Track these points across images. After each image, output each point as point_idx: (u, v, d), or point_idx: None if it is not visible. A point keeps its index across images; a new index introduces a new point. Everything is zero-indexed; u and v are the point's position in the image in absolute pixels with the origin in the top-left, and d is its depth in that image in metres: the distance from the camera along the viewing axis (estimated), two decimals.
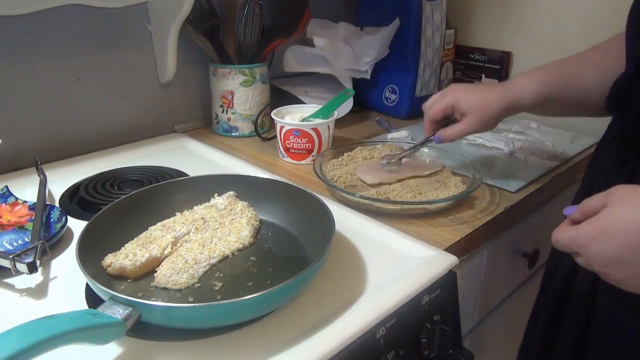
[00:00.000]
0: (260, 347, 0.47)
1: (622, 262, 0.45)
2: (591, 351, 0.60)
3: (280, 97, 1.09)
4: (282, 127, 0.89)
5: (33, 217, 0.65)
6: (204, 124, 1.10)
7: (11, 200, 0.70)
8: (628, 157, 0.58)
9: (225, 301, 0.46)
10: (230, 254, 0.60)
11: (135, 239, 0.60)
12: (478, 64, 1.23)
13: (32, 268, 0.53)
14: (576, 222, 0.50)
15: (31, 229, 0.62)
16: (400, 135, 1.01)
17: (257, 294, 0.46)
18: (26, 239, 0.63)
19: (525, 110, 0.75)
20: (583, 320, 0.61)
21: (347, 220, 0.68)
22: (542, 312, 0.70)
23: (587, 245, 0.47)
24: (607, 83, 0.62)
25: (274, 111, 0.92)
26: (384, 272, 0.58)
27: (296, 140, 0.88)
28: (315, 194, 0.65)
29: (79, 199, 0.75)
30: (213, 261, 0.58)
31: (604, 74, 0.68)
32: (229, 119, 1.02)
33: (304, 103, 1.04)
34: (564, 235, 0.50)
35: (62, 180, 0.80)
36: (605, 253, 0.46)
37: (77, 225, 0.66)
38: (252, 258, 0.60)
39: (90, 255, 0.54)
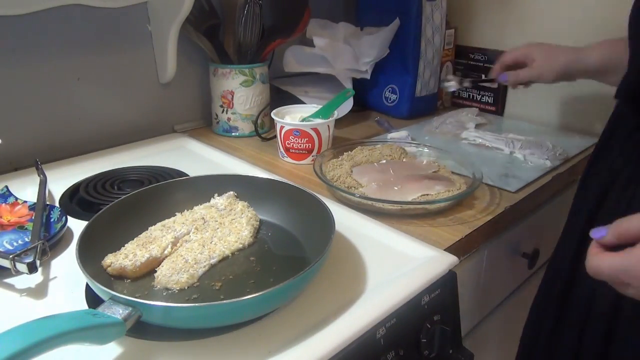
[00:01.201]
0: (260, 347, 0.47)
1: None
2: None
3: (280, 97, 1.09)
4: (282, 127, 0.89)
5: (33, 217, 0.65)
6: (204, 124, 1.10)
7: (11, 200, 0.70)
8: None
9: (225, 301, 0.46)
10: (230, 254, 0.60)
11: (135, 239, 0.60)
12: (478, 64, 1.23)
13: (32, 268, 0.53)
14: (608, 246, 0.45)
15: (31, 229, 0.62)
16: (400, 135, 1.01)
17: (257, 294, 0.46)
18: (26, 239, 0.63)
19: (589, 73, 0.80)
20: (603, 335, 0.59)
21: (347, 220, 0.68)
22: (550, 319, 0.69)
23: None
24: None
25: (274, 111, 0.92)
26: (384, 272, 0.58)
27: (296, 140, 0.88)
28: (315, 194, 0.65)
29: (79, 199, 0.75)
30: (213, 261, 0.58)
31: None
32: (229, 119, 1.02)
33: (304, 103, 1.04)
34: (608, 264, 0.44)
35: (62, 180, 0.80)
36: None
37: (77, 225, 0.66)
38: (252, 258, 0.60)
39: (90, 255, 0.54)
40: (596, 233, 0.45)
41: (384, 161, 0.85)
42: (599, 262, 0.44)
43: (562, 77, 0.82)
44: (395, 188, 0.75)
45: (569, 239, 0.68)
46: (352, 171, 0.81)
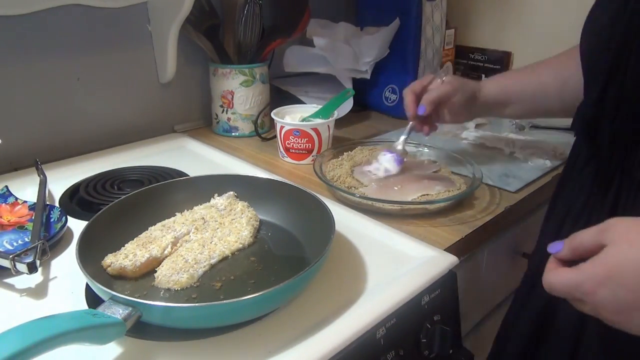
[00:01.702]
0: (260, 347, 0.47)
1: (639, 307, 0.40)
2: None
3: (280, 97, 1.09)
4: (282, 127, 0.89)
5: (33, 217, 0.65)
6: (204, 124, 1.10)
7: (11, 200, 0.70)
8: (609, 184, 0.55)
9: (225, 301, 0.46)
10: (230, 254, 0.60)
11: (135, 239, 0.60)
12: (478, 64, 1.23)
13: (32, 268, 0.53)
14: (565, 261, 0.45)
15: (31, 229, 0.62)
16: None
17: (257, 294, 0.46)
18: (26, 239, 0.63)
19: (489, 105, 0.81)
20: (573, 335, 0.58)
21: (347, 220, 0.68)
22: (523, 323, 0.67)
23: (594, 292, 0.41)
24: (564, 84, 0.72)
25: (274, 111, 0.92)
26: (384, 272, 0.58)
27: (296, 140, 0.88)
28: (315, 194, 0.65)
29: (79, 199, 0.75)
30: (213, 261, 0.58)
31: (560, 76, 0.74)
32: (229, 119, 1.02)
33: (304, 103, 1.04)
34: (561, 280, 0.43)
35: (62, 180, 0.80)
36: (619, 299, 0.40)
37: (77, 225, 0.66)
38: (252, 258, 0.60)
39: (90, 255, 0.54)
40: (552, 248, 0.45)
41: None
42: (553, 278, 0.44)
43: (470, 103, 0.80)
44: (395, 188, 0.75)
45: (537, 258, 0.68)
46: (352, 171, 0.81)
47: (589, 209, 0.58)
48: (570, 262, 0.44)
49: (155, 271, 0.56)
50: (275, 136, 0.93)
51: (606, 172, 0.55)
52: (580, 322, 0.57)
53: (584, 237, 0.43)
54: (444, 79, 0.81)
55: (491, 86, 0.81)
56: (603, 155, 0.56)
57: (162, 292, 0.54)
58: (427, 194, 0.74)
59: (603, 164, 0.56)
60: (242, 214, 0.65)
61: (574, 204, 0.61)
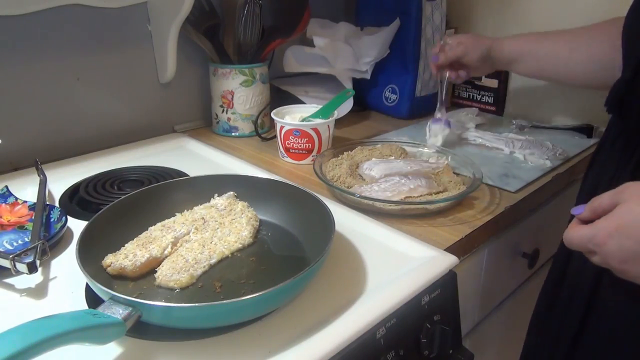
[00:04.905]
0: (260, 347, 0.47)
1: None
2: (587, 336, 0.62)
3: (280, 97, 1.09)
4: (282, 127, 0.89)
5: (33, 217, 0.65)
6: (204, 124, 1.10)
7: (11, 200, 0.70)
8: (631, 155, 0.59)
9: (225, 301, 0.46)
10: (230, 254, 0.60)
11: (135, 239, 0.60)
12: None
13: (32, 268, 0.53)
14: (585, 222, 0.50)
15: (31, 229, 0.62)
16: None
17: (257, 294, 0.46)
18: (26, 239, 0.63)
19: (504, 59, 0.89)
20: (582, 308, 0.62)
21: (347, 220, 0.68)
22: (543, 300, 0.72)
23: (605, 243, 0.47)
24: (572, 50, 0.79)
25: (274, 111, 0.92)
26: (384, 272, 0.58)
27: (296, 140, 0.88)
28: (315, 194, 0.65)
29: (79, 199, 0.75)
30: (213, 261, 0.58)
31: (570, 42, 0.81)
32: (229, 119, 1.02)
33: (304, 103, 1.04)
34: (578, 234, 0.49)
35: (62, 180, 0.80)
36: (624, 249, 0.45)
37: (77, 225, 0.66)
38: (252, 258, 0.60)
39: (90, 255, 0.54)
40: (575, 210, 0.51)
41: (393, 157, 0.86)
42: (572, 232, 0.50)
43: (485, 59, 0.90)
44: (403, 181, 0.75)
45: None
46: (354, 170, 0.81)
47: (616, 179, 0.60)
48: (592, 222, 0.49)
49: (156, 271, 0.56)
50: (275, 136, 0.93)
51: (630, 145, 0.59)
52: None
53: (603, 199, 0.48)
54: (449, 42, 0.93)
55: (507, 43, 0.88)
56: (632, 129, 0.59)
57: (162, 292, 0.54)
58: (429, 194, 0.74)
59: (630, 139, 0.59)
60: (242, 214, 0.65)
61: (603, 176, 0.64)
